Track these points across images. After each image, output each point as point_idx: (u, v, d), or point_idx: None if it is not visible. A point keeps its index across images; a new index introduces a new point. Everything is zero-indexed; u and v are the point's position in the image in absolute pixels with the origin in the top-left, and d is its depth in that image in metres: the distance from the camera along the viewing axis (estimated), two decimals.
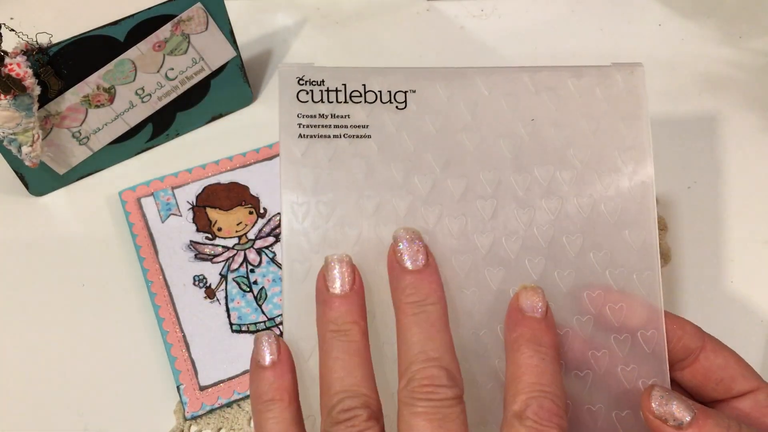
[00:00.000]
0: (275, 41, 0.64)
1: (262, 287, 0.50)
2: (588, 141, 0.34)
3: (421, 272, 0.30)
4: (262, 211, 0.53)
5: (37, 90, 0.48)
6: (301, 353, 0.32)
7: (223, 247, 0.52)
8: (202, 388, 0.47)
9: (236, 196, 0.54)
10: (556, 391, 0.28)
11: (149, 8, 0.50)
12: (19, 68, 0.46)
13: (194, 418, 0.46)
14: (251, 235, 0.52)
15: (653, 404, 0.29)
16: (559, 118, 0.34)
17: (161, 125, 0.57)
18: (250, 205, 0.54)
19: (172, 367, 0.47)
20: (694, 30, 0.63)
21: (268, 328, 0.49)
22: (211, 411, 0.46)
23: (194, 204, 0.54)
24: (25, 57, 0.46)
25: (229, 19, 0.53)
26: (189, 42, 0.53)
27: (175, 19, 0.51)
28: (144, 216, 0.53)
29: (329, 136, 0.33)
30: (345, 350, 0.30)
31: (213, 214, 0.53)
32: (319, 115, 0.33)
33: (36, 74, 0.47)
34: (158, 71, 0.53)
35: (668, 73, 0.61)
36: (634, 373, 0.32)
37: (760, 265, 0.51)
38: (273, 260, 0.51)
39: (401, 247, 0.31)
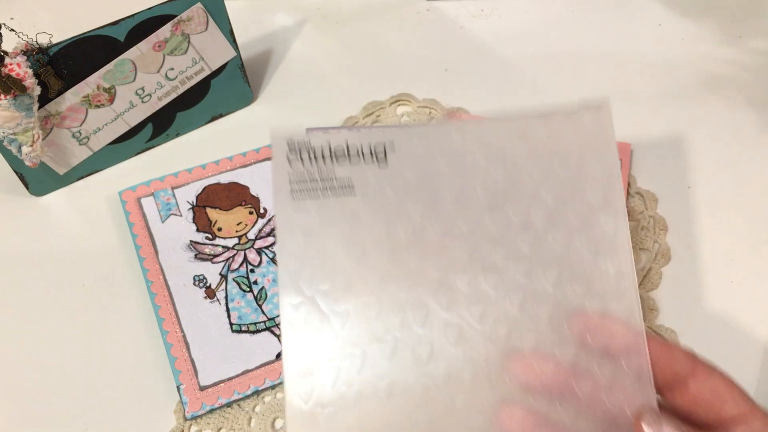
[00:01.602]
0: (275, 41, 0.64)
1: (262, 287, 0.50)
2: (560, 179, 0.36)
3: None
4: (262, 211, 0.53)
5: (37, 90, 0.48)
6: None
7: (223, 247, 0.52)
8: (202, 388, 0.47)
9: (236, 196, 0.54)
10: None
11: (149, 8, 0.50)
12: (19, 68, 0.46)
13: (194, 418, 0.46)
14: (251, 235, 0.52)
15: (644, 427, 0.30)
16: (531, 161, 0.36)
17: (161, 125, 0.57)
18: (250, 205, 0.54)
19: (172, 367, 0.47)
20: (694, 30, 0.63)
21: (268, 329, 0.49)
22: (211, 411, 0.46)
23: (194, 204, 0.54)
24: (25, 57, 0.46)
25: (229, 19, 0.54)
26: (189, 42, 0.53)
27: (175, 19, 0.51)
28: (144, 216, 0.53)
29: (318, 195, 0.36)
30: None
31: (213, 214, 0.53)
32: (309, 175, 0.36)
33: (36, 74, 0.47)
34: (158, 71, 0.53)
35: (668, 73, 0.61)
36: (619, 398, 0.33)
37: (760, 265, 0.51)
38: (273, 260, 0.51)
39: None
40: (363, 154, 0.36)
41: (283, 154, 0.36)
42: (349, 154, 0.36)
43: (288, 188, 0.36)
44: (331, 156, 0.36)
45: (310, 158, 0.36)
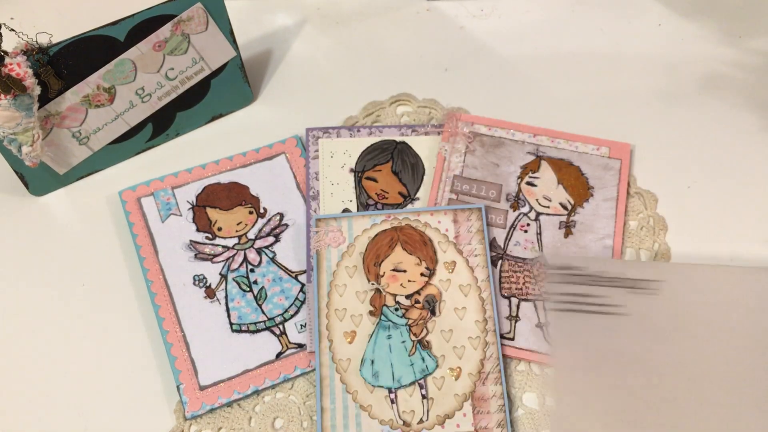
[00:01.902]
0: (275, 41, 0.64)
1: (262, 287, 0.50)
2: None
3: None
4: (262, 210, 0.53)
5: (37, 90, 0.48)
6: None
7: (223, 246, 0.52)
8: (202, 388, 0.47)
9: (236, 195, 0.54)
10: None
11: (149, 8, 0.50)
12: (19, 68, 0.46)
13: (194, 417, 0.46)
14: (251, 235, 0.52)
15: None
16: None
17: (161, 125, 0.57)
18: (250, 205, 0.54)
19: (172, 367, 0.47)
20: (694, 30, 0.63)
21: (267, 328, 0.49)
22: (211, 411, 0.46)
23: (194, 204, 0.54)
24: (25, 57, 0.46)
25: (229, 19, 0.54)
26: (189, 42, 0.53)
27: (175, 19, 0.51)
28: (144, 216, 0.53)
29: (590, 312, 0.40)
30: None
31: (213, 213, 0.53)
32: (581, 295, 0.41)
33: (36, 74, 0.47)
34: (158, 71, 0.53)
35: (668, 73, 0.61)
36: None
37: (759, 265, 0.51)
38: (273, 260, 0.51)
39: None
40: (635, 283, 0.41)
41: (559, 277, 0.41)
42: (623, 282, 0.40)
43: (560, 306, 0.40)
44: (605, 281, 0.40)
45: (584, 282, 0.41)
